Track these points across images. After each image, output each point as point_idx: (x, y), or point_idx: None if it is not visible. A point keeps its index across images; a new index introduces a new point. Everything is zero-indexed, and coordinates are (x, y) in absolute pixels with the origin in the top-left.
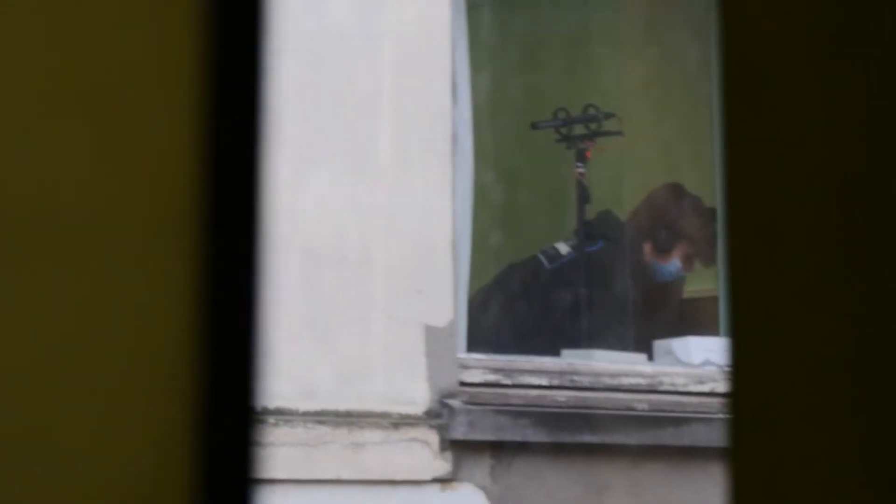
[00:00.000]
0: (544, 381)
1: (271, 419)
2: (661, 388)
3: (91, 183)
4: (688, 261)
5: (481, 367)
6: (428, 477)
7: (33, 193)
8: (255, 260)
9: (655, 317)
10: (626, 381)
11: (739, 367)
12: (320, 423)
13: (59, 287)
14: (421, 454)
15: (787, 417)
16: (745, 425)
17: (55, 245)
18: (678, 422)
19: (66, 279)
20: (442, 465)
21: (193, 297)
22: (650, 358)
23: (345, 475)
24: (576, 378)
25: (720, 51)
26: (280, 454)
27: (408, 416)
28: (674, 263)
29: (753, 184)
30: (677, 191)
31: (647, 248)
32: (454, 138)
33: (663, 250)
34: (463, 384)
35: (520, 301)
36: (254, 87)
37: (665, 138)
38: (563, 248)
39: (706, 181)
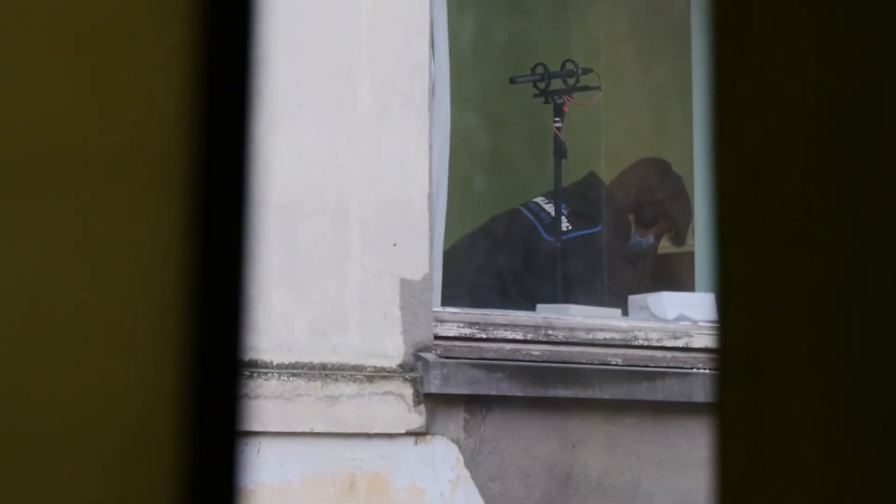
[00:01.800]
0: (519, 336)
1: (246, 371)
2: (636, 342)
3: (84, 122)
4: (661, 238)
5: (456, 320)
6: (402, 430)
7: (25, 132)
8: (243, 209)
9: (630, 274)
10: (600, 335)
11: (728, 312)
12: (295, 375)
13: (49, 225)
14: (395, 407)
15: (776, 364)
16: (733, 373)
17: (45, 183)
18: (652, 376)
19: (57, 216)
20: (416, 419)
21: (182, 242)
22: (625, 313)
23: (319, 428)
24: (550, 332)
25: None
26: (254, 406)
27: (382, 370)
28: (648, 239)
29: (741, 126)
30: (665, 168)
31: (630, 217)
32: (432, 92)
33: (644, 225)
34: (438, 338)
35: (497, 255)
36: (246, 33)
37: (646, 92)
38: (547, 205)
39: (687, 135)
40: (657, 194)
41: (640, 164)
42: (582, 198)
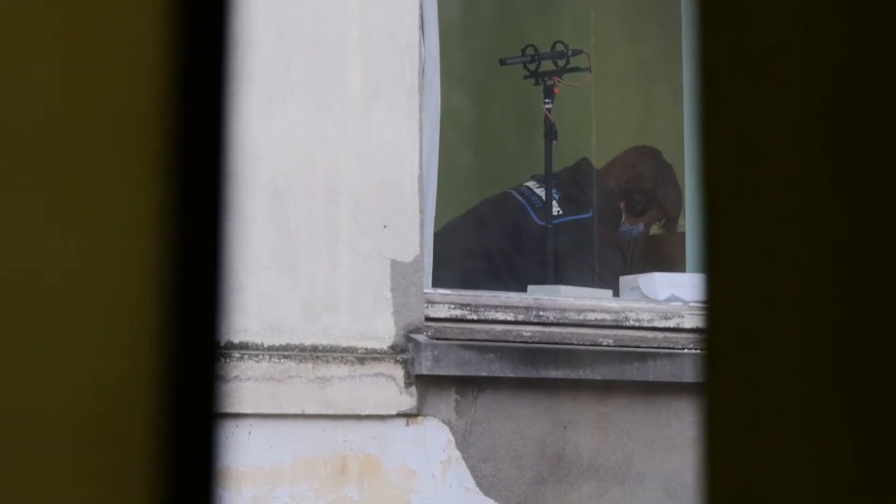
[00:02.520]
0: (510, 317)
1: (236, 353)
2: (627, 323)
3: (61, 98)
4: (651, 226)
5: (447, 302)
6: (393, 411)
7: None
8: (221, 188)
9: (619, 261)
10: (591, 316)
11: (716, 292)
12: (286, 357)
13: (23, 204)
14: (386, 389)
15: (765, 343)
16: (721, 352)
17: (18, 161)
18: (643, 357)
19: (31, 195)
20: (407, 400)
21: (160, 222)
22: (616, 294)
23: (310, 409)
24: (542, 313)
25: None
26: (245, 388)
27: (373, 351)
28: (638, 227)
29: (730, 103)
30: (656, 156)
31: (621, 205)
32: (422, 73)
33: (635, 213)
34: (429, 319)
35: (487, 237)
36: (225, 10)
37: (636, 72)
38: (538, 189)
39: (677, 114)
40: (648, 183)
41: (631, 151)
42: (573, 183)
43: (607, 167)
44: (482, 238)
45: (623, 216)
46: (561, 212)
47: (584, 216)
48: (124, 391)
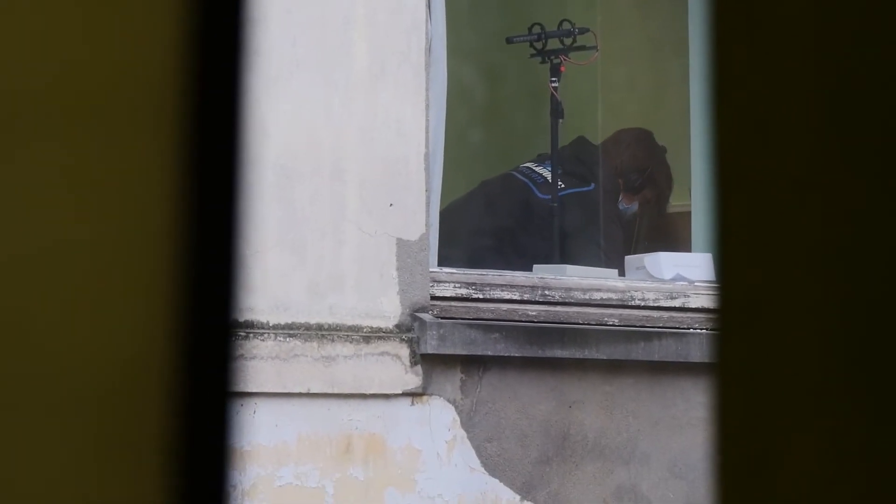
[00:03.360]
0: (516, 296)
1: (242, 332)
2: (633, 303)
3: (73, 68)
4: (645, 206)
5: (453, 281)
6: (398, 391)
7: (9, 73)
8: (237, 165)
9: (621, 235)
10: (597, 295)
11: (728, 265)
12: (291, 336)
13: (35, 175)
14: (392, 368)
15: (776, 316)
16: (733, 325)
17: (32, 124)
18: (649, 336)
19: (42, 165)
20: (413, 379)
21: (175, 198)
22: (622, 273)
23: (315, 388)
24: (547, 293)
25: None
26: (250, 367)
27: (379, 330)
28: (633, 206)
29: (741, 75)
30: (649, 137)
31: (620, 182)
32: (428, 51)
33: (632, 191)
34: (434, 298)
35: (493, 215)
36: None
37: (644, 48)
38: (539, 167)
39: (684, 91)
40: (643, 161)
41: (624, 132)
42: (575, 160)
43: (603, 146)
44: (489, 217)
45: (620, 195)
46: (563, 185)
47: (586, 188)
48: (137, 372)
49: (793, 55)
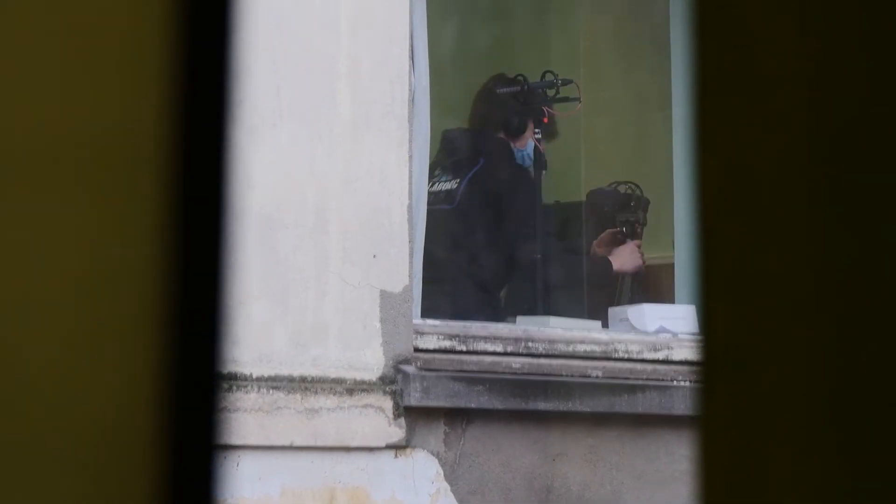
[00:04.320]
0: (499, 348)
1: (225, 384)
2: (616, 355)
3: (61, 113)
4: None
5: (436, 333)
6: (382, 443)
7: (7, 130)
8: (221, 217)
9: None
10: (580, 347)
11: (712, 314)
12: (274, 388)
13: (24, 230)
14: (375, 420)
15: (761, 366)
16: (717, 375)
17: (20, 177)
18: (633, 389)
19: (30, 223)
20: (396, 432)
21: (161, 249)
22: (605, 325)
23: (298, 441)
24: (531, 345)
25: None
26: (234, 420)
27: (362, 382)
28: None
29: (724, 126)
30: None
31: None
32: (412, 102)
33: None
34: (418, 350)
35: (476, 267)
36: (225, 42)
37: (627, 100)
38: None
39: (667, 143)
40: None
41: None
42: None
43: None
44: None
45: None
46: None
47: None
48: (121, 426)
49: (775, 108)
